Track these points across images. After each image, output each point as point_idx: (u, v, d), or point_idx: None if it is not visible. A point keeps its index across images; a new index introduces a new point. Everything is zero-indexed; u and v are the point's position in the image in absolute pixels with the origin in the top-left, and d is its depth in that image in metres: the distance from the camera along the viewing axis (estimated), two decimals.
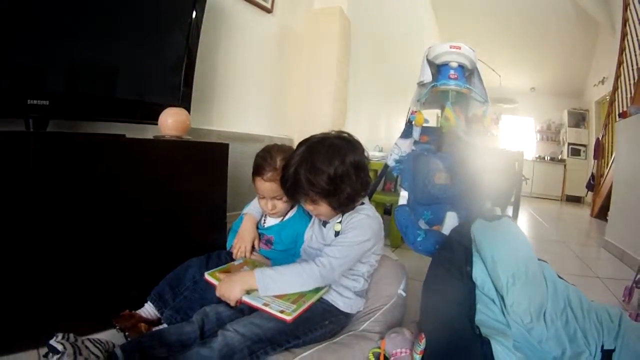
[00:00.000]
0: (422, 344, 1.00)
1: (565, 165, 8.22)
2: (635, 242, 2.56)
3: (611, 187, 3.57)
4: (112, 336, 1.10)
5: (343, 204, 1.14)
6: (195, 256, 1.32)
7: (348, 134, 1.20)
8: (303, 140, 1.16)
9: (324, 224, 1.24)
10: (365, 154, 1.18)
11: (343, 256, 1.10)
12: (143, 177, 1.35)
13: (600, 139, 5.38)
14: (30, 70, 1.28)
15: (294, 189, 1.12)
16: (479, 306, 1.13)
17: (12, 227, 1.05)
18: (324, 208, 1.14)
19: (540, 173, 8.27)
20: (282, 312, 1.00)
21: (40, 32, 1.26)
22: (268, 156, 1.24)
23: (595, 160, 5.44)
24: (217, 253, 1.36)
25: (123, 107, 1.56)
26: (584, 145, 7.99)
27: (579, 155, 8.06)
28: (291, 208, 1.36)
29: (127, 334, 1.13)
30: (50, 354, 0.86)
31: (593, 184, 5.27)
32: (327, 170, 1.07)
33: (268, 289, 1.06)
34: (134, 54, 1.56)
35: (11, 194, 1.05)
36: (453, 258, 1.23)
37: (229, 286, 1.07)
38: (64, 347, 0.87)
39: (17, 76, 1.25)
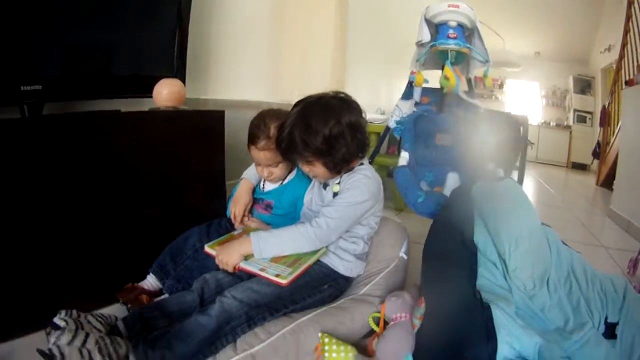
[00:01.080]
0: (422, 308, 0.98)
1: (571, 132, 8.06)
2: None
3: (617, 155, 3.50)
4: (116, 310, 1.11)
5: (339, 165, 1.11)
6: (196, 225, 1.31)
7: (345, 93, 1.16)
8: (299, 101, 1.13)
9: (324, 186, 1.22)
10: (363, 114, 1.14)
11: (339, 217, 1.08)
12: (141, 150, 1.34)
13: (606, 106, 5.26)
14: (21, 56, 1.23)
15: (289, 149, 1.09)
16: (480, 270, 1.10)
17: (13, 208, 1.05)
18: (319, 169, 1.11)
19: (546, 139, 8.12)
20: (277, 275, 0.99)
21: (27, 15, 1.21)
22: (262, 124, 1.19)
23: (601, 128, 5.34)
24: (218, 221, 1.35)
25: (117, 83, 1.53)
26: (590, 113, 7.82)
27: (585, 122, 7.90)
28: (290, 172, 1.33)
29: (129, 306, 1.14)
30: (52, 331, 0.86)
31: (599, 152, 5.19)
32: (322, 130, 1.04)
33: (263, 251, 1.05)
34: (124, 27, 1.51)
35: (10, 175, 1.04)
36: (454, 220, 1.20)
37: (227, 252, 1.06)
38: (66, 323, 0.88)
39: (8, 64, 1.20)
